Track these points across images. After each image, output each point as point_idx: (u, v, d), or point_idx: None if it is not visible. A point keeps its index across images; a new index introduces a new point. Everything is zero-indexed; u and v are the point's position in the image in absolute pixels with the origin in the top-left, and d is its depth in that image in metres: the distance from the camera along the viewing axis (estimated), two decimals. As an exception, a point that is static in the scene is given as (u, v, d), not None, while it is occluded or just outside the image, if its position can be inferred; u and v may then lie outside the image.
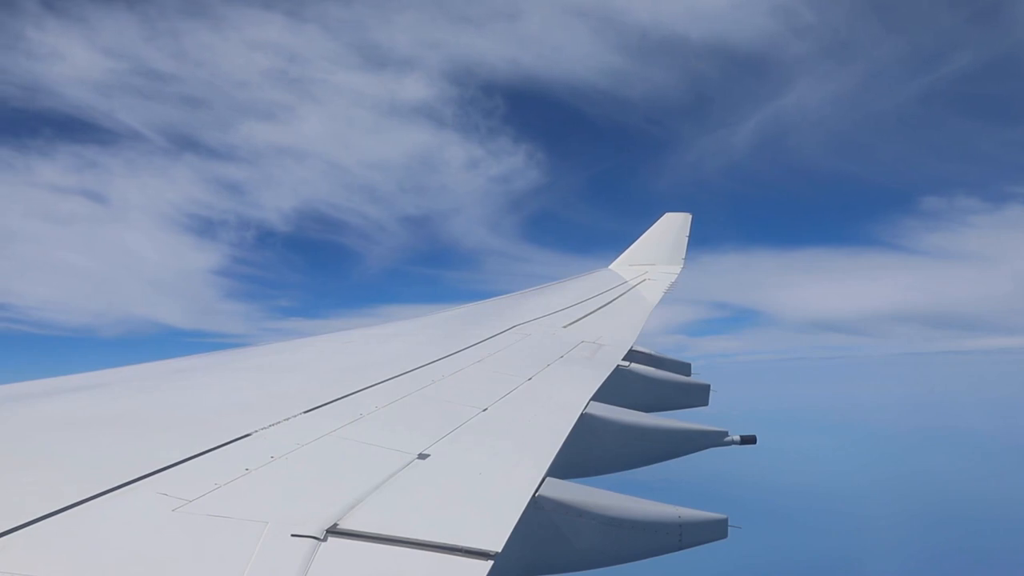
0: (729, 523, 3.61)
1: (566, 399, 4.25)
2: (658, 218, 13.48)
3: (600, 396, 4.45)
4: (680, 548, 3.41)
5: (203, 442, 2.65)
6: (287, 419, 3.10)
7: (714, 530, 3.56)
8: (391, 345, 5.95)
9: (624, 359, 5.86)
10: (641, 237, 12.99)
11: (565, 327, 7.02)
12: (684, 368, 6.99)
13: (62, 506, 1.99)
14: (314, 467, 2.64)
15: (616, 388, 4.97)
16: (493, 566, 2.00)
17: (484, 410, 3.76)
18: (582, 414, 3.96)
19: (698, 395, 6.39)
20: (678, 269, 11.62)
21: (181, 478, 2.32)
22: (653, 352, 6.82)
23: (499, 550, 2.08)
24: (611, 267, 12.16)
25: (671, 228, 13.08)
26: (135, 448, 2.64)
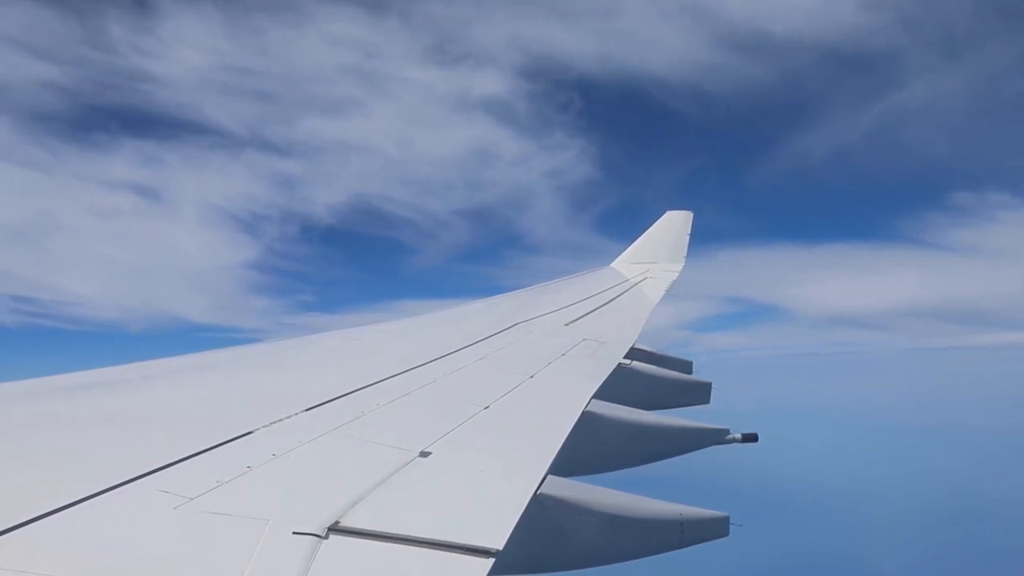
0: (731, 521, 3.62)
1: (568, 397, 4.25)
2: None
3: (601, 394, 4.45)
4: (681, 546, 3.42)
5: (205, 440, 2.65)
6: (289, 417, 3.10)
7: (715, 528, 3.56)
8: (392, 343, 5.95)
9: (625, 357, 5.86)
10: (643, 235, 12.96)
11: (567, 325, 7.01)
12: (685, 366, 6.99)
13: (63, 504, 1.99)
14: (315, 465, 2.64)
15: (618, 386, 4.96)
16: (494, 564, 2.00)
17: (486, 408, 3.75)
18: (584, 412, 3.96)
19: (699, 393, 6.40)
20: (679, 267, 11.60)
21: (182, 476, 2.32)
22: (654, 350, 6.82)
23: (500, 548, 2.07)
24: (612, 265, 12.15)
25: (673, 226, 13.06)
26: (136, 446, 2.65)
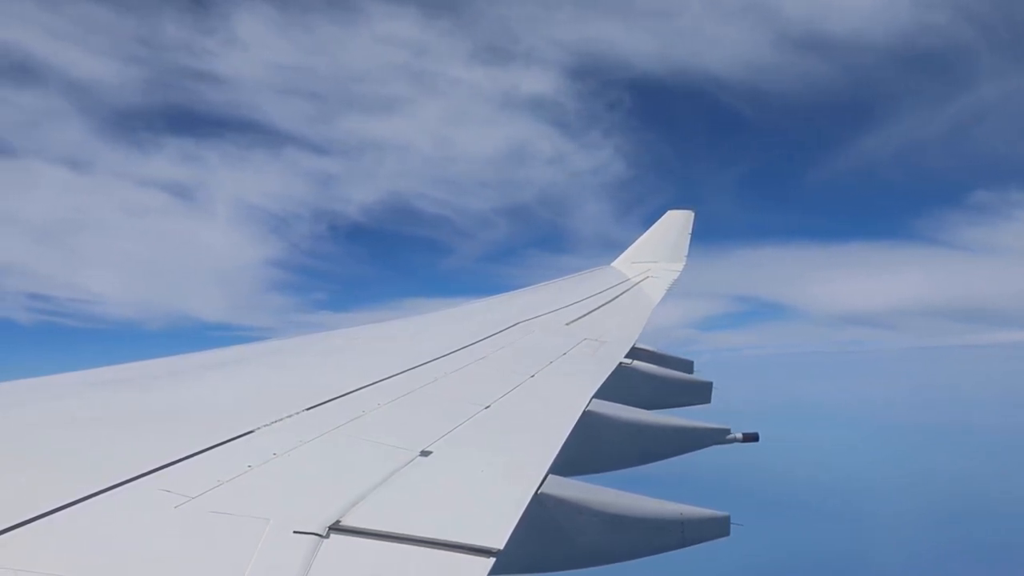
0: (732, 521, 3.62)
1: (568, 396, 4.25)
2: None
3: (602, 394, 4.45)
4: (682, 546, 3.42)
5: (206, 439, 2.65)
6: (289, 416, 3.10)
7: (716, 528, 3.56)
8: (394, 342, 5.95)
9: (626, 357, 5.86)
10: (643, 235, 12.97)
11: (567, 324, 7.02)
12: (687, 366, 6.99)
13: (64, 503, 2.00)
14: (316, 464, 2.64)
15: (618, 386, 4.96)
16: (495, 564, 2.00)
17: (486, 407, 3.76)
18: (584, 412, 3.96)
19: (700, 392, 6.40)
20: (680, 267, 11.62)
21: (184, 475, 2.32)
22: (655, 349, 6.83)
23: (501, 547, 2.08)
24: (613, 264, 12.16)
25: (673, 226, 13.07)
26: (138, 445, 2.65)
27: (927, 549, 47.73)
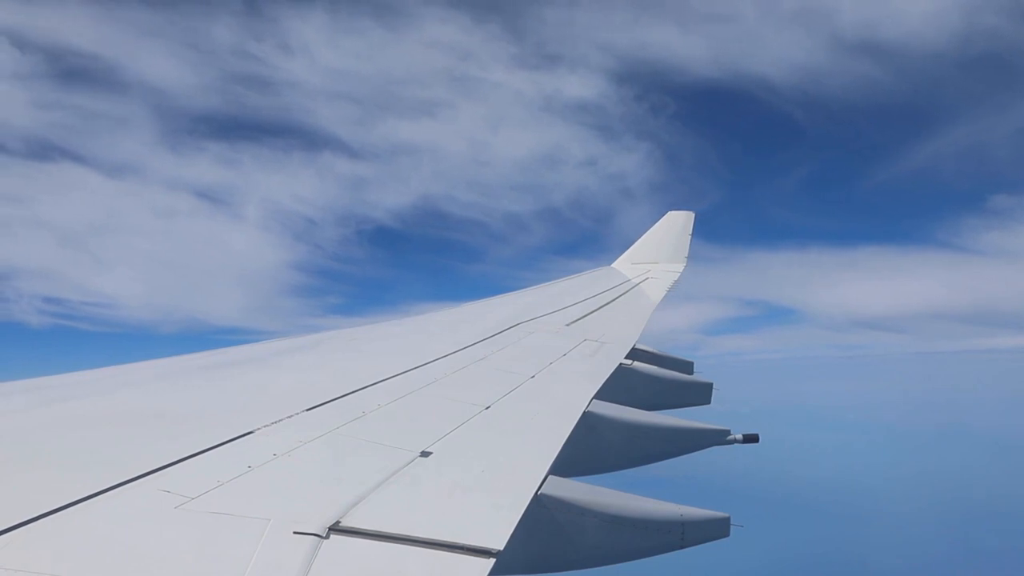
0: (732, 522, 3.62)
1: (568, 397, 4.25)
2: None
3: (602, 394, 4.45)
4: (682, 547, 3.42)
5: (205, 440, 2.65)
6: (289, 417, 3.10)
7: (716, 529, 3.56)
8: (394, 342, 5.95)
9: (627, 357, 5.86)
10: (644, 235, 12.97)
11: (568, 325, 7.02)
12: (686, 367, 6.99)
13: (64, 503, 2.00)
14: (316, 465, 2.64)
15: (618, 386, 4.97)
16: (495, 564, 2.00)
17: (487, 408, 3.76)
18: (584, 412, 3.96)
19: (701, 393, 6.39)
20: (681, 267, 11.62)
21: (183, 475, 2.32)
22: (656, 350, 6.82)
23: (501, 548, 2.08)
24: (613, 265, 12.16)
25: (674, 226, 13.07)
26: (137, 445, 2.65)
27: (928, 551, 47.69)
